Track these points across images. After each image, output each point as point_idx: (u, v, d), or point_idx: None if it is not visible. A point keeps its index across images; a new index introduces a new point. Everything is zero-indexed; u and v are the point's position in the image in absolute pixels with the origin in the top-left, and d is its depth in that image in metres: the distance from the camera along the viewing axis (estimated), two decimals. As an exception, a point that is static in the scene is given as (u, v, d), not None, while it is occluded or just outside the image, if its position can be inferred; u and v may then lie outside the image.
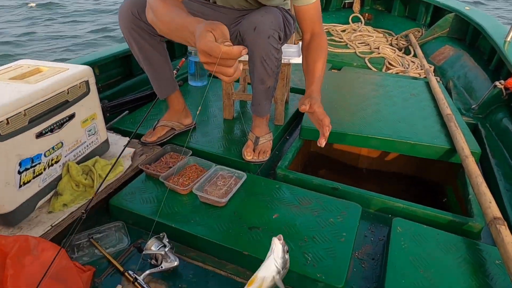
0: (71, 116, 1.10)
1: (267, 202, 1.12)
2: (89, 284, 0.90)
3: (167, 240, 0.98)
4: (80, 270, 0.91)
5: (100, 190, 1.14)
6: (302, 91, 2.01)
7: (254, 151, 1.39)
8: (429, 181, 1.79)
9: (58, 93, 1.04)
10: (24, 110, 0.94)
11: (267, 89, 1.33)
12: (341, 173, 1.90)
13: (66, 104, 1.08)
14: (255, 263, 0.94)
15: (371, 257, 1.03)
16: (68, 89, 1.07)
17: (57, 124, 1.05)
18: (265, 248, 0.94)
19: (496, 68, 2.10)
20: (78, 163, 1.15)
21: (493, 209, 0.99)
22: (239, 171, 1.22)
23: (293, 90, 2.01)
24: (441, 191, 1.68)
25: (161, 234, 1.00)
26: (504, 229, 0.92)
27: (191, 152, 1.34)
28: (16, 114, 0.92)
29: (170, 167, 1.24)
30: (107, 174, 1.06)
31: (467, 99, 2.04)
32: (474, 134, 1.57)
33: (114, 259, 0.96)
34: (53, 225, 0.99)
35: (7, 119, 0.90)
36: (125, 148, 1.18)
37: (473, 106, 1.89)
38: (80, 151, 1.17)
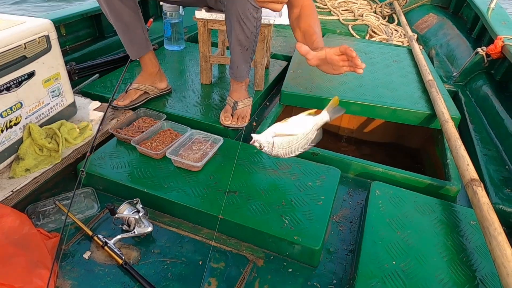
0: (31, 74, 1.01)
1: (245, 167, 1.08)
2: (55, 250, 0.85)
3: (140, 205, 0.94)
4: (44, 236, 0.86)
5: (67, 155, 1.08)
6: (284, 57, 1.95)
7: (232, 116, 1.33)
8: (408, 148, 1.80)
9: (13, 48, 0.94)
10: (-26, 65, 0.85)
11: (245, 51, 1.26)
12: (322, 141, 1.88)
13: (23, 61, 0.98)
14: (231, 227, 0.91)
15: (349, 220, 1.03)
16: (25, 44, 0.97)
17: (14, 82, 0.96)
18: (242, 212, 0.92)
19: (478, 36, 2.08)
20: (41, 126, 1.07)
21: (471, 171, 0.99)
22: (216, 136, 1.17)
23: (274, 56, 1.94)
24: (420, 158, 1.69)
25: (134, 199, 0.95)
26: (480, 190, 0.92)
27: (165, 116, 1.27)
28: (-36, 68, 0.83)
29: (143, 132, 1.18)
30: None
31: (449, 67, 2.02)
32: (454, 101, 1.57)
33: (82, 224, 0.91)
34: (14, 190, 0.92)
35: (-47, 73, 0.81)
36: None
37: (454, 74, 1.88)
38: (43, 113, 1.08)
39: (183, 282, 0.81)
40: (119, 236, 0.89)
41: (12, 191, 0.92)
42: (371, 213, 0.94)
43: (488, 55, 1.69)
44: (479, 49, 1.73)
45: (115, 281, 0.81)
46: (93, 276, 0.82)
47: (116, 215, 0.90)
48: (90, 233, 0.89)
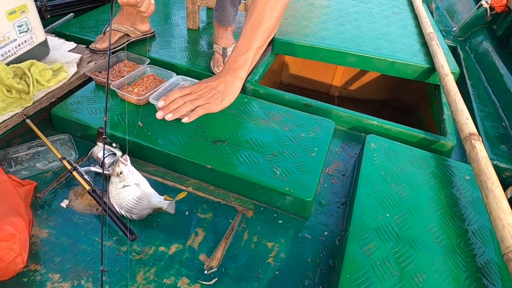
0: (-9, 3, 0.89)
1: (234, 116, 1.02)
2: (30, 199, 0.80)
3: (120, 152, 0.87)
4: (17, 183, 0.79)
5: (40, 98, 0.98)
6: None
7: (224, 64, 1.24)
8: (402, 105, 1.76)
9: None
10: None
11: None
12: (314, 95, 1.82)
13: (-19, -14, 0.85)
14: (220, 177, 0.87)
15: (342, 174, 0.99)
16: (-19, -35, 0.84)
17: (-28, 11, 0.84)
18: (230, 162, 0.87)
19: (482, -11, 1.98)
20: (8, 65, 0.96)
21: (470, 125, 0.95)
22: (204, 82, 1.08)
23: None
24: (413, 115, 1.66)
25: (114, 144, 0.88)
26: (479, 144, 0.89)
27: (149, 60, 1.17)
28: None
29: (124, 76, 1.08)
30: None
31: (448, 21, 1.94)
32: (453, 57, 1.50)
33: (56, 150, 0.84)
34: (-20, 134, 0.84)
35: None
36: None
37: (454, 29, 1.80)
38: (10, 51, 0.97)
39: (168, 232, 0.77)
40: (92, 168, 0.83)
41: (-23, 134, 0.84)
42: (365, 166, 0.91)
43: (492, 8, 1.61)
44: (483, 1, 1.64)
45: (96, 230, 0.76)
46: (72, 225, 0.77)
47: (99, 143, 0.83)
48: (59, 156, 0.82)
